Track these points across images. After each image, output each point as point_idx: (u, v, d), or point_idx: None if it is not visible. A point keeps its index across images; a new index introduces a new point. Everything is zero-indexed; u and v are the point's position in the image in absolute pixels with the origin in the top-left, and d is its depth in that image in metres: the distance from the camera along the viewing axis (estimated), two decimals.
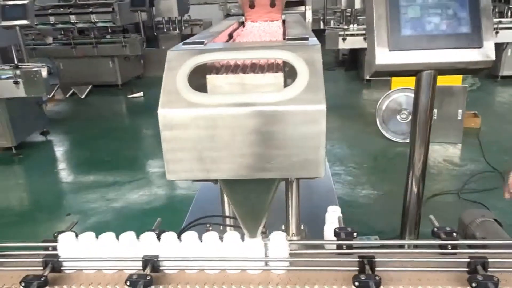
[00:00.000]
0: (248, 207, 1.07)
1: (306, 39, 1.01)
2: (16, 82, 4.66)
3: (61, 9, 8.03)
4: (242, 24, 1.90)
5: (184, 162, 0.93)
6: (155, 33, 9.81)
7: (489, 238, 1.30)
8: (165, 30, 9.95)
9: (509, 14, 7.17)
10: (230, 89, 0.97)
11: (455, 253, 1.15)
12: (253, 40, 1.41)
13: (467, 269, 1.08)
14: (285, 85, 0.99)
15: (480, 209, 1.51)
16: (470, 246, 1.21)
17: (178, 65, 0.94)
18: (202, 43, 1.03)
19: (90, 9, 7.96)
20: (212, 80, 0.98)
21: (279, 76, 0.97)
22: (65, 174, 5.00)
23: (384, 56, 1.27)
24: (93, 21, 7.95)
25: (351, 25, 6.91)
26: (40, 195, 4.51)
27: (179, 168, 0.94)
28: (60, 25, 8.21)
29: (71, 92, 8.31)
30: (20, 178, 5.06)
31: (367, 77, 7.37)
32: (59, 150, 5.77)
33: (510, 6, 7.14)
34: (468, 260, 1.08)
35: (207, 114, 0.88)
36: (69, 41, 8.14)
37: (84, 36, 8.51)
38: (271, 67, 1.03)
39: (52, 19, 8.06)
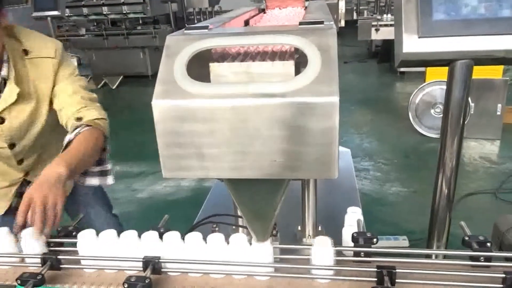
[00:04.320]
0: (255, 209, 0.97)
1: (321, 22, 0.90)
2: None
3: (94, 0, 8.13)
4: (262, 10, 1.79)
5: (181, 158, 0.84)
6: (186, 25, 9.80)
7: None
8: (195, 21, 9.93)
9: None
10: (234, 78, 0.88)
11: (488, 266, 1.02)
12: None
13: (501, 285, 0.95)
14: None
15: None
16: (507, 259, 1.07)
17: (176, 51, 0.86)
18: (206, 27, 0.94)
19: (122, 0, 8.01)
20: (215, 68, 0.89)
21: (289, 65, 0.87)
22: None
23: (412, 44, 1.14)
24: (124, 12, 8.00)
25: (385, 15, 6.65)
26: None
27: (176, 165, 0.85)
28: (93, 17, 8.33)
29: (103, 82, 8.44)
30: None
31: (400, 69, 7.09)
32: None
33: None
34: (504, 275, 0.95)
35: (205, 106, 0.79)
36: (101, 32, 8.26)
37: (116, 27, 8.61)
38: (282, 55, 0.93)
39: (85, 10, 8.18)
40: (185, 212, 3.12)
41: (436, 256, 1.25)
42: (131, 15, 8.17)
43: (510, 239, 1.17)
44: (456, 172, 1.28)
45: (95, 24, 8.76)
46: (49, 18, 5.17)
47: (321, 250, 1.03)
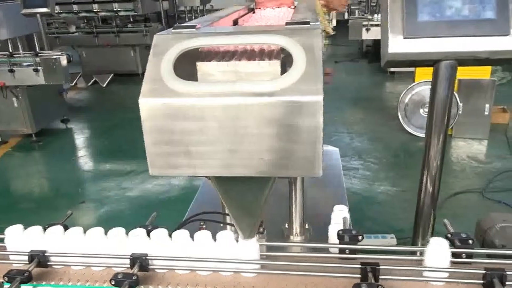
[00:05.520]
0: (241, 206, 0.99)
1: (307, 23, 0.91)
2: (36, 70, 4.70)
3: None
4: (252, 10, 1.80)
5: (168, 156, 0.85)
6: (177, 23, 9.76)
7: (509, 247, 1.19)
8: (187, 20, 9.89)
9: None
10: (221, 77, 0.89)
11: (469, 263, 1.05)
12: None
13: (482, 281, 0.98)
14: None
15: (501, 213, 1.39)
16: (488, 255, 1.10)
17: (164, 50, 0.87)
18: (193, 27, 0.95)
19: None
20: (202, 67, 0.90)
21: (275, 64, 0.88)
22: (83, 162, 5.04)
23: (398, 44, 1.15)
24: (115, 10, 7.95)
25: (376, 15, 6.69)
26: (58, 182, 4.56)
27: (163, 163, 0.86)
28: (83, 14, 8.26)
29: (93, 80, 8.39)
30: (39, 164, 5.13)
31: (387, 68, 7.14)
32: (78, 138, 5.82)
33: None
34: (484, 271, 0.97)
35: (191, 104, 0.80)
36: (92, 30, 8.20)
37: (106, 25, 8.55)
38: (269, 54, 0.94)
39: (75, 7, 8.11)
40: (176, 210, 3.12)
41: (421, 253, 1.27)
42: (122, 13, 8.12)
43: (491, 237, 1.20)
44: (441, 171, 1.30)
45: (85, 21, 8.70)
46: (38, 15, 5.11)
47: (436, 250, 1.03)
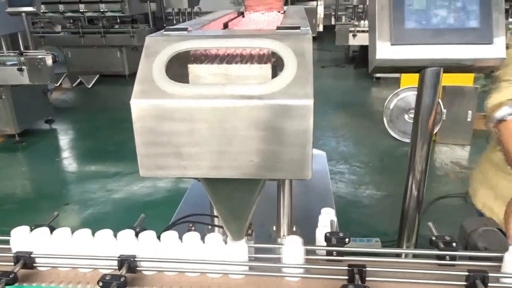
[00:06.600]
0: (231, 208, 0.99)
1: (298, 28, 0.93)
2: (20, 69, 4.63)
3: None
4: (241, 14, 1.82)
5: (159, 158, 0.86)
6: (165, 25, 9.73)
7: (490, 250, 1.22)
8: (174, 22, 9.87)
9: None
10: (212, 80, 0.90)
11: (453, 265, 1.07)
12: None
13: (465, 283, 1.00)
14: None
15: (483, 217, 1.43)
16: (471, 258, 1.12)
17: (156, 52, 0.87)
18: (185, 29, 0.95)
19: None
20: (193, 69, 0.91)
21: (266, 68, 0.89)
22: (67, 163, 4.98)
23: (385, 51, 1.18)
24: (102, 10, 7.89)
25: (362, 21, 6.78)
26: (42, 184, 4.50)
27: (154, 164, 0.86)
28: (69, 14, 8.18)
29: (78, 81, 8.30)
30: (22, 165, 5.06)
31: (374, 74, 7.24)
32: (63, 139, 5.76)
33: None
34: (467, 273, 1.00)
35: (182, 106, 0.81)
36: (78, 30, 8.12)
37: (92, 25, 8.48)
38: (260, 58, 0.95)
39: (61, 7, 8.03)
40: (162, 212, 3.11)
41: (406, 255, 1.30)
42: (109, 14, 8.07)
43: (474, 240, 1.22)
44: (425, 175, 1.33)
45: (72, 21, 8.61)
46: (23, 14, 5.04)
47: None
